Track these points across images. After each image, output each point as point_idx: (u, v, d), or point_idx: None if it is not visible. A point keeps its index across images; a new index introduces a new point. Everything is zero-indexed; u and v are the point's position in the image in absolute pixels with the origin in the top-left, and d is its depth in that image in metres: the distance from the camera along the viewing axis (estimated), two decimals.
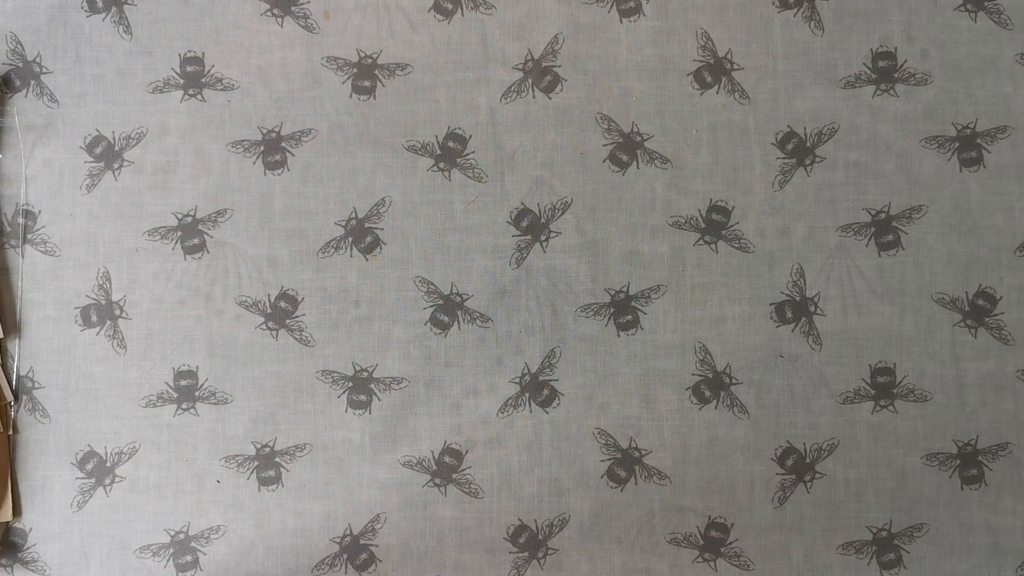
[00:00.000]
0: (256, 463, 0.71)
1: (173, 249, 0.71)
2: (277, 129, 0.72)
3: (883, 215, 0.71)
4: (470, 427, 0.71)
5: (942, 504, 0.70)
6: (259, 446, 0.71)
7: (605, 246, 0.71)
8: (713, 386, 0.71)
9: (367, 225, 0.71)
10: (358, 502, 0.71)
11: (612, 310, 0.71)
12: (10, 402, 0.70)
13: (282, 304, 0.71)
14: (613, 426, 0.71)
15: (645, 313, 0.71)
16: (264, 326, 0.71)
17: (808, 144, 0.71)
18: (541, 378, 0.71)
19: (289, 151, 0.71)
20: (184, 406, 0.71)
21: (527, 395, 0.71)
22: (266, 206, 0.71)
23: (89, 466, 0.70)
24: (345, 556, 0.71)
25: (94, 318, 0.71)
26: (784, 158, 0.71)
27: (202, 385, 0.71)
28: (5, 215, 0.71)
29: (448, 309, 0.71)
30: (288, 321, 0.71)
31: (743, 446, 0.71)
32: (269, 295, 0.71)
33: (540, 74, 0.72)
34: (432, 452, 0.71)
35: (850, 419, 0.71)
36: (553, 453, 0.71)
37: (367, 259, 0.71)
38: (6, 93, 0.71)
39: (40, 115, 0.71)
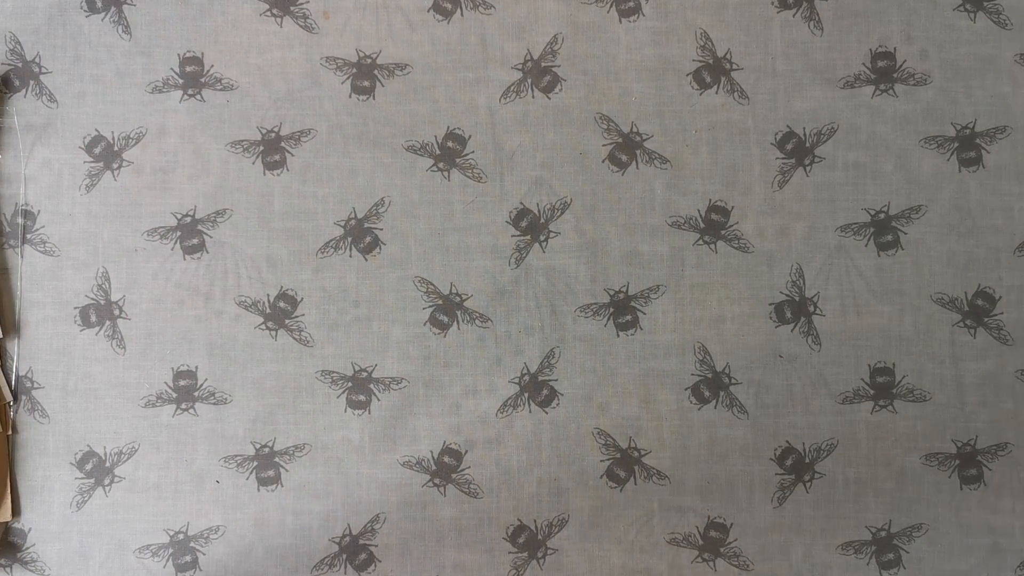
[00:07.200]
0: (255, 463, 0.71)
1: (172, 249, 0.71)
2: (276, 129, 0.72)
3: (882, 215, 0.71)
4: (469, 427, 0.71)
5: (941, 504, 0.70)
6: (258, 446, 0.71)
7: (604, 246, 0.71)
8: (712, 386, 0.71)
9: (366, 225, 0.71)
10: (357, 502, 0.71)
11: (611, 310, 0.71)
12: (9, 402, 0.70)
13: (281, 304, 0.71)
14: (612, 426, 0.71)
15: (644, 313, 0.71)
16: (263, 326, 0.71)
17: (807, 144, 0.71)
18: (540, 378, 0.71)
19: (288, 151, 0.71)
20: (183, 406, 0.71)
21: (526, 395, 0.71)
22: (265, 206, 0.71)
23: (88, 466, 0.70)
24: (344, 556, 0.71)
25: (93, 318, 0.71)
26: (783, 158, 0.71)
27: (201, 385, 0.71)
28: (4, 215, 0.71)
29: (447, 309, 0.71)
30: (287, 321, 0.71)
31: (742, 446, 0.71)
32: (268, 295, 0.71)
33: (539, 74, 0.72)
34: (431, 452, 0.71)
35: (849, 419, 0.71)
36: (552, 453, 0.71)
37: (366, 259, 0.71)
38: (5, 93, 0.71)
39: (39, 115, 0.71)
